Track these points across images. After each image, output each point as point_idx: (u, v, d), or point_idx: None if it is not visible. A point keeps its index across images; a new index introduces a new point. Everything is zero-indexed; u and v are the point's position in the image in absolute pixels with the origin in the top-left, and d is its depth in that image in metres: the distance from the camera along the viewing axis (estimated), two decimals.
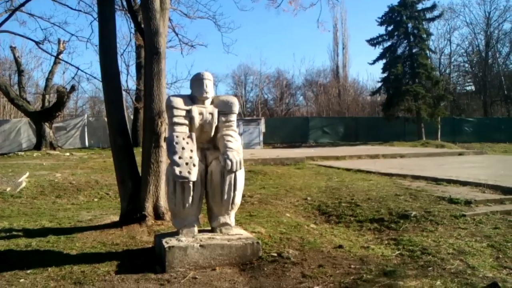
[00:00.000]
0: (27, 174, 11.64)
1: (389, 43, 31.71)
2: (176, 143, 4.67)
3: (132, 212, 6.28)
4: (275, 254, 4.68)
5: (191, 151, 4.68)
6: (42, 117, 20.98)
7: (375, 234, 6.21)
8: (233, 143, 4.88)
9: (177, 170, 4.51)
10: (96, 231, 6.07)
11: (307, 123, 34.08)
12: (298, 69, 77.08)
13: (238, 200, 4.91)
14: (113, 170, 13.22)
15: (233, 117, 5.08)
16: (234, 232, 4.98)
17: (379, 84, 33.58)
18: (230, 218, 5.00)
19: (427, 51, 31.41)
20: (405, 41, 31.02)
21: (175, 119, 4.80)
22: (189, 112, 4.85)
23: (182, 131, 4.81)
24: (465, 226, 6.02)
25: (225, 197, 4.80)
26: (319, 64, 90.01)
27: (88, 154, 20.96)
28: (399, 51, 31.48)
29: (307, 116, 38.16)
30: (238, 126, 30.03)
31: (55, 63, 22.75)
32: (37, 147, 21.02)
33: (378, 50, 32.31)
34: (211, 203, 4.92)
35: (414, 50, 30.60)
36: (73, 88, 21.11)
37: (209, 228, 5.10)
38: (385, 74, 31.74)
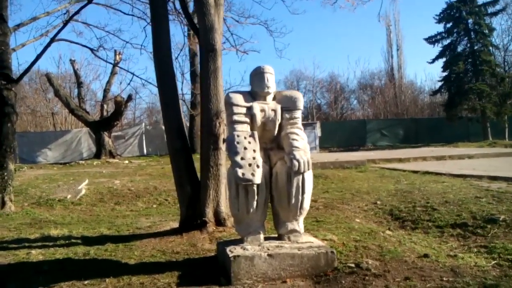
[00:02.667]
0: (87, 181, 11.70)
1: (448, 41, 30.22)
2: (237, 142, 4.28)
3: (192, 218, 5.96)
4: (353, 265, 4.17)
5: (254, 151, 4.27)
6: (101, 127, 21.41)
7: (459, 240, 5.56)
8: (299, 141, 4.44)
9: (239, 172, 4.12)
10: (155, 238, 5.79)
11: (364, 126, 33.09)
12: (353, 71, 75.64)
13: (307, 204, 4.45)
14: (172, 177, 13.15)
15: (298, 114, 4.63)
16: (304, 240, 4.52)
17: (439, 84, 32.06)
18: (299, 224, 4.55)
19: (490, 47, 29.61)
20: (466, 38, 29.44)
21: (235, 117, 4.41)
22: (249, 109, 4.45)
23: (243, 129, 4.42)
24: None
25: (293, 201, 4.35)
26: (373, 67, 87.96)
27: (146, 161, 21.16)
28: (460, 48, 29.93)
29: (364, 119, 37.11)
30: None
31: (112, 73, 23.22)
32: (97, 155, 21.46)
33: (437, 48, 30.92)
34: (277, 208, 4.49)
35: (475, 47, 28.98)
36: (130, 97, 21.41)
37: (275, 235, 4.68)
38: (445, 73, 30.25)
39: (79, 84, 23.84)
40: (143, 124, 29.08)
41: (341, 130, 32.81)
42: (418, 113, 38.97)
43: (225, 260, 4.28)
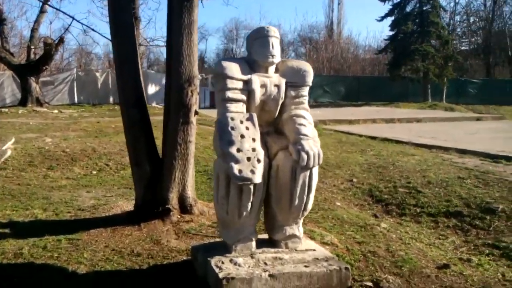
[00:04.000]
0: (13, 140, 10.12)
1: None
2: (232, 128, 3.25)
3: (150, 204, 4.92)
4: (370, 284, 3.37)
5: (254, 140, 3.27)
6: (27, 71, 19.19)
7: (458, 234, 4.98)
8: (308, 127, 3.48)
9: (235, 168, 3.12)
10: (105, 228, 4.69)
11: None
12: (300, 24, 74.20)
13: (311, 204, 3.57)
14: (111, 135, 11.85)
15: (306, 91, 3.66)
16: (304, 247, 3.66)
17: (382, 42, 31.88)
18: (299, 228, 3.67)
19: (439, 9, 29.49)
20: None
21: (229, 94, 3.36)
22: (247, 83, 3.41)
23: (238, 110, 3.39)
24: None
25: (296, 202, 3.45)
26: (315, 20, 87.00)
27: (78, 111, 19.42)
28: (409, 8, 29.60)
29: None
30: None
31: (41, 11, 20.68)
32: (23, 103, 19.33)
33: (388, 6, 30.36)
34: (275, 209, 3.57)
35: (424, 8, 28.74)
36: (61, 40, 19.28)
37: (265, 236, 3.79)
38: (393, 32, 29.92)
39: (2, 21, 21.03)
40: (75, 69, 26.70)
41: None
42: (359, 71, 38.85)
43: (208, 277, 3.36)
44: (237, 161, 3.14)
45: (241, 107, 3.39)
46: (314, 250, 3.66)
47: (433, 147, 9.74)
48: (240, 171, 3.12)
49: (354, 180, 6.95)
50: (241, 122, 3.31)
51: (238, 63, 3.41)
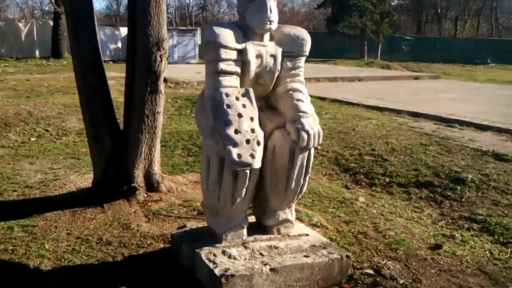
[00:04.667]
0: None
1: None
2: (228, 106, 2.84)
3: (113, 181, 4.44)
4: (371, 272, 3.17)
5: (252, 119, 2.89)
6: None
7: (432, 206, 4.93)
8: (306, 103, 3.15)
9: (234, 152, 2.74)
10: (64, 211, 4.18)
11: None
12: None
13: (305, 187, 3.29)
14: (45, 95, 10.86)
15: (303, 62, 3.28)
16: (296, 232, 3.40)
17: None
18: (292, 212, 3.39)
19: None
20: None
21: (223, 65, 2.91)
22: (242, 53, 2.98)
23: (232, 84, 2.96)
24: None
25: (293, 185, 3.14)
26: None
27: (1, 66, 17.75)
28: None
29: None
30: (172, 36, 27.13)
31: None
32: None
33: None
34: (269, 194, 3.25)
35: None
36: None
37: (253, 220, 3.48)
38: None
39: None
40: None
41: None
42: (297, 25, 38.26)
43: (198, 272, 3.02)
44: (235, 144, 2.76)
45: (235, 80, 2.98)
46: (307, 234, 3.40)
47: (384, 109, 9.76)
48: (239, 155, 2.75)
49: (318, 147, 6.76)
50: (237, 98, 2.90)
51: (232, 29, 2.95)
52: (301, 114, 3.05)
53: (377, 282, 3.06)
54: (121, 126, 4.57)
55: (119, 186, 4.40)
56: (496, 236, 4.02)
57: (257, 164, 2.81)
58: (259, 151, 2.83)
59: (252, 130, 2.84)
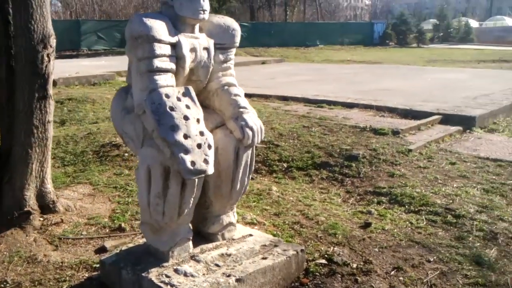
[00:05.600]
0: None
1: None
2: (171, 108, 2.51)
3: None
4: (324, 261, 3.13)
5: (198, 121, 2.60)
6: None
7: (335, 185, 5.09)
8: (243, 98, 2.98)
9: (187, 160, 2.44)
10: None
11: (78, 27, 29.45)
12: None
13: (248, 185, 3.12)
14: None
15: (233, 53, 3.06)
16: (240, 234, 3.21)
17: None
18: (234, 214, 3.19)
19: None
20: None
21: (157, 62, 2.55)
22: (175, 47, 2.64)
23: (168, 83, 2.61)
24: (424, 165, 5.40)
25: (238, 186, 2.95)
26: None
27: None
28: None
29: (78, 19, 32.96)
30: None
31: None
32: None
33: None
34: (212, 198, 2.99)
35: None
36: None
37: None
38: None
39: None
40: None
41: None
42: (133, 14, 36.83)
43: None
44: (187, 151, 2.45)
45: (171, 79, 2.64)
46: (251, 235, 3.24)
47: (253, 95, 9.84)
48: (193, 162, 2.46)
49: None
50: (179, 99, 2.58)
51: (163, 21, 2.60)
52: (242, 110, 2.86)
53: (334, 270, 3.04)
54: None
55: (7, 214, 3.69)
56: (406, 206, 4.30)
57: (211, 169, 2.55)
58: (211, 155, 2.56)
59: (201, 133, 2.56)
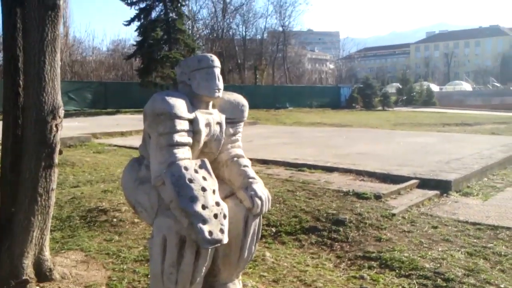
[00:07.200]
0: None
1: (144, 4, 29.61)
2: (190, 180, 2.65)
3: None
4: None
5: (214, 191, 2.74)
6: None
7: (325, 250, 5.18)
8: (250, 168, 3.15)
9: (205, 230, 2.56)
10: None
11: None
12: None
13: (255, 253, 3.24)
14: None
15: (242, 127, 3.26)
16: None
17: (133, 48, 31.43)
18: (240, 282, 3.28)
19: (184, 17, 30.67)
20: (161, 4, 29.50)
21: (177, 137, 2.72)
22: (192, 123, 2.82)
23: (186, 156, 2.77)
24: (408, 229, 5.57)
25: (245, 254, 3.07)
26: None
27: None
28: (154, 14, 29.85)
29: None
30: None
31: None
32: None
33: (134, 10, 29.86)
34: (220, 266, 3.09)
35: (170, 15, 29.47)
36: None
37: None
38: (140, 38, 29.68)
39: None
40: None
41: None
42: (104, 76, 37.30)
43: None
44: (205, 221, 2.58)
45: (188, 152, 2.80)
46: None
47: None
48: (210, 232, 2.58)
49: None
50: (196, 171, 2.73)
51: (183, 99, 2.79)
52: (251, 180, 3.02)
53: None
54: None
55: (3, 282, 3.64)
56: (397, 270, 4.43)
57: (226, 239, 2.67)
58: (226, 225, 2.69)
59: (217, 203, 2.70)
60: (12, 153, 3.71)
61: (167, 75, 28.74)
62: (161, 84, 29.46)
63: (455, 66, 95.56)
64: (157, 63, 28.41)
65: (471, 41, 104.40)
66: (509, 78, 68.73)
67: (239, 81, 43.22)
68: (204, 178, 2.72)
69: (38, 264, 3.86)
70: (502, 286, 3.96)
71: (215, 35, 44.91)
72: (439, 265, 4.48)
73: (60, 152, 3.78)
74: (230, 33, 46.53)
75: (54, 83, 3.59)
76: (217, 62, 2.97)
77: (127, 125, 18.02)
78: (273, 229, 5.73)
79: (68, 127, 17.19)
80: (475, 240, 5.21)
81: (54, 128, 3.61)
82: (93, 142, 13.74)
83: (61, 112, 3.68)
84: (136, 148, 11.86)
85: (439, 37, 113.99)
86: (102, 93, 31.79)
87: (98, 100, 31.25)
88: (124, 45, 42.99)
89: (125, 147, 12.69)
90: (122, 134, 15.86)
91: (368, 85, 39.64)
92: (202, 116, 2.87)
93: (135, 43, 30.91)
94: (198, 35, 43.00)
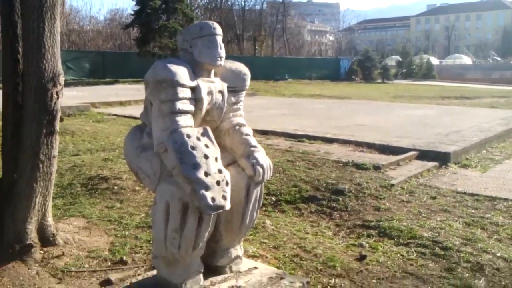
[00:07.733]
0: None
1: None
2: (193, 148, 2.66)
3: None
4: None
5: (216, 159, 2.76)
6: None
7: (324, 219, 5.27)
8: (252, 137, 3.16)
9: (208, 196, 2.58)
10: None
11: None
12: None
13: (256, 220, 3.28)
14: None
15: (243, 96, 3.26)
16: (246, 267, 3.33)
17: (131, 17, 31.04)
18: (241, 247, 3.33)
19: None
20: None
21: (179, 105, 2.72)
22: (194, 91, 2.82)
23: (188, 124, 2.78)
24: (407, 199, 5.67)
25: (247, 220, 3.11)
26: None
27: None
28: None
29: None
30: None
31: None
32: None
33: None
34: (222, 232, 3.13)
35: None
36: None
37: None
38: (138, 7, 29.30)
39: None
40: None
41: None
42: (102, 45, 36.96)
43: None
44: (207, 188, 2.60)
45: (190, 120, 2.80)
46: (256, 267, 3.37)
47: None
48: (213, 199, 2.61)
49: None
50: (198, 139, 2.74)
51: (184, 66, 2.78)
52: (253, 148, 3.04)
53: None
54: None
55: (8, 247, 3.70)
56: (395, 239, 4.50)
57: (228, 205, 2.70)
58: (228, 192, 2.71)
59: (220, 171, 2.71)
60: (12, 121, 3.71)
61: (165, 45, 28.49)
62: (159, 54, 29.17)
63: (455, 39, 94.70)
64: (155, 33, 28.11)
65: (472, 14, 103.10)
66: (510, 52, 68.26)
67: (238, 52, 42.76)
68: (207, 146, 2.74)
69: (42, 230, 3.91)
70: (498, 254, 4.04)
71: (213, 4, 44.34)
72: (437, 234, 4.55)
73: (61, 120, 3.79)
74: (229, 3, 46.04)
75: (54, 50, 3.58)
76: (219, 30, 2.94)
77: (126, 95, 17.94)
78: (273, 198, 5.79)
79: (67, 96, 17.02)
80: (473, 211, 5.28)
81: (55, 95, 3.61)
82: (92, 111, 13.71)
83: (62, 79, 3.67)
84: (135, 118, 11.88)
85: (440, 10, 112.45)
86: (100, 62, 31.50)
87: (96, 69, 30.99)
88: (121, 14, 42.60)
89: (124, 116, 12.68)
90: (121, 103, 15.79)
91: (368, 58, 39.38)
92: (204, 84, 2.86)
93: (132, 12, 30.56)
94: (196, 5, 42.42)
